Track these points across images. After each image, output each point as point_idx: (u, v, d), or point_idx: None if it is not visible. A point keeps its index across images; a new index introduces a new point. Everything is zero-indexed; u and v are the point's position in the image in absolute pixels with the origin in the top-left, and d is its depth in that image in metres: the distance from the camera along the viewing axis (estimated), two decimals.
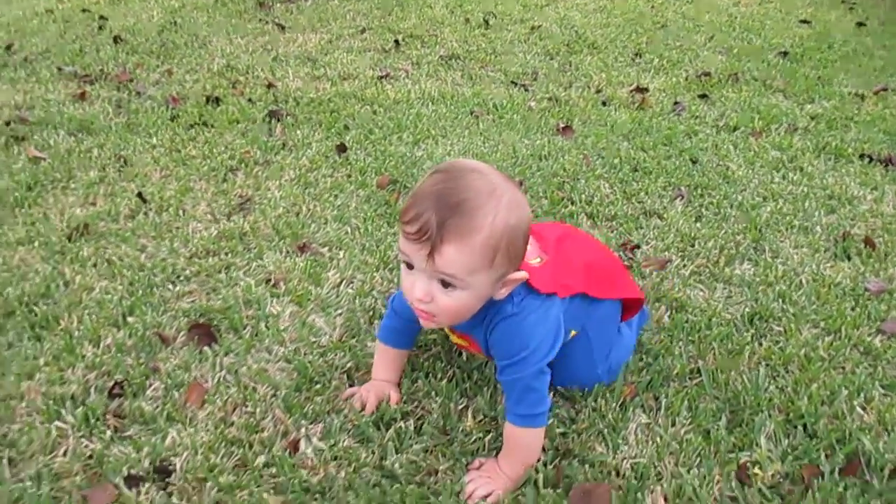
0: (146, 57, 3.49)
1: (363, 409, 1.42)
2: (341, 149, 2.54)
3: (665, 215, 2.18)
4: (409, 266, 1.17)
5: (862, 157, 2.62)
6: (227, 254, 1.93)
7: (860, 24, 4.40)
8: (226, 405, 1.43)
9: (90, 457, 1.31)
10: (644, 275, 1.89)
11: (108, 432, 1.35)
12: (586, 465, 1.31)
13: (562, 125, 2.82)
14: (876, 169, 2.53)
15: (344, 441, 1.36)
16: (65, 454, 1.31)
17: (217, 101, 2.96)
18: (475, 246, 1.10)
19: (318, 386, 1.48)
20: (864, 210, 2.24)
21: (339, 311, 1.72)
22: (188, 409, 1.41)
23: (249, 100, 3.00)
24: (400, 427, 1.38)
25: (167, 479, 1.26)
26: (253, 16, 4.22)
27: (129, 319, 1.66)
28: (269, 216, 2.11)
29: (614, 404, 1.45)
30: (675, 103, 3.11)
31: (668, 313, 1.74)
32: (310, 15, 4.26)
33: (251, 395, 1.45)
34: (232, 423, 1.38)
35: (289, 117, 2.85)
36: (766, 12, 4.65)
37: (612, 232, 2.09)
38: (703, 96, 3.20)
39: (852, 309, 1.77)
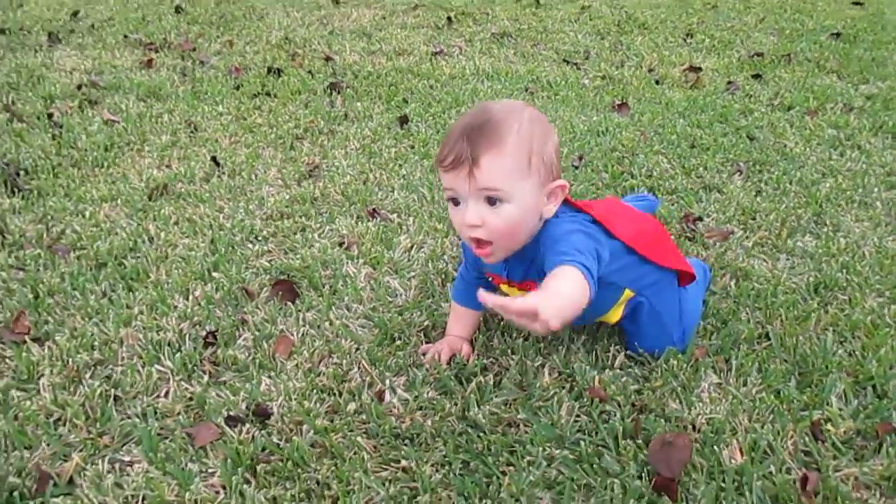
0: (206, 27, 3.58)
1: (439, 361, 1.48)
2: (403, 121, 2.60)
3: (725, 189, 2.21)
4: (455, 202, 1.22)
5: None
6: (300, 217, 2.00)
7: None
8: (313, 356, 1.50)
9: (190, 398, 1.39)
10: (707, 245, 1.92)
11: (206, 377, 1.43)
12: (663, 420, 1.36)
13: (617, 102, 2.85)
14: None
15: (427, 392, 1.42)
16: (167, 395, 1.40)
17: (278, 72, 3.03)
18: (508, 150, 1.17)
19: (399, 342, 1.55)
20: None
21: (412, 274, 1.78)
22: (278, 359, 1.49)
23: (309, 72, 3.07)
24: (480, 381, 1.44)
25: (266, 421, 1.34)
26: None
27: (215, 275, 1.74)
28: (337, 183, 2.18)
29: (686, 365, 1.50)
30: (729, 83, 3.12)
31: (734, 281, 1.77)
32: None
33: (337, 347, 1.52)
34: (321, 373, 1.45)
35: (348, 90, 2.91)
36: None
37: (673, 205, 2.12)
38: (756, 76, 3.21)
39: None
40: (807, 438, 1.34)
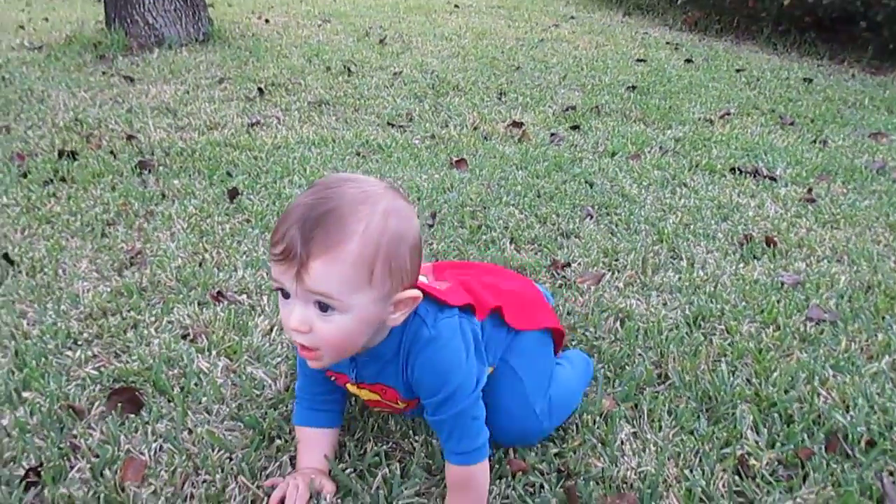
0: None
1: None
2: (233, 194, 2.35)
3: (581, 233, 2.19)
4: (285, 295, 1.02)
5: (732, 170, 2.80)
6: (128, 311, 1.68)
7: (688, 61, 4.81)
8: (174, 478, 1.21)
9: None
10: (582, 290, 1.86)
11: None
12: (593, 482, 1.23)
13: (455, 159, 2.79)
14: (747, 179, 2.72)
15: (326, 499, 1.19)
16: None
17: (73, 155, 2.66)
18: (346, 258, 0.97)
19: (280, 441, 1.30)
20: (752, 215, 2.38)
21: (278, 360, 1.54)
22: (128, 489, 1.18)
23: (111, 152, 2.72)
24: (385, 472, 1.23)
25: None
26: (94, 69, 3.89)
27: (26, 395, 1.39)
28: (167, 268, 1.88)
29: (598, 417, 1.39)
30: (552, 134, 3.20)
31: (619, 323, 1.72)
32: (159, 66, 4.00)
33: (203, 461, 1.24)
34: (189, 497, 1.17)
35: (160, 167, 2.61)
36: (605, 54, 4.97)
37: (537, 254, 2.06)
38: (574, 127, 3.32)
39: (778, 301, 1.84)
40: (736, 477, 1.27)
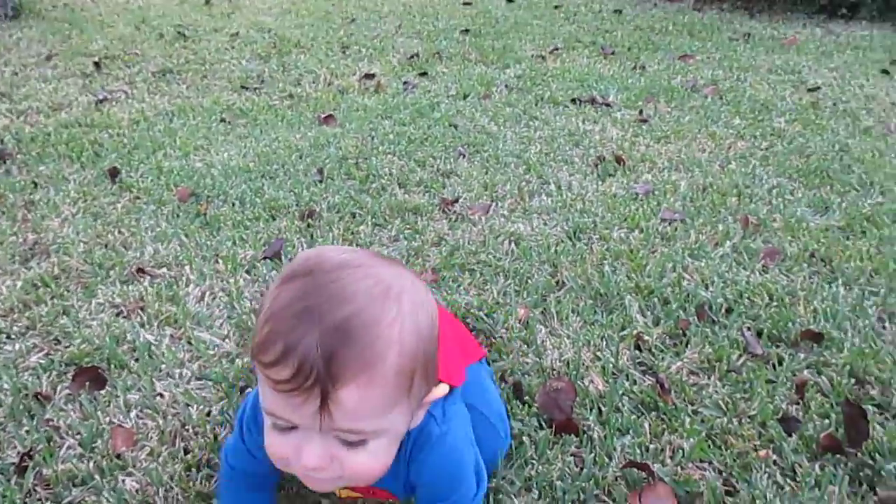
0: None
1: None
2: (113, 174, 2.32)
3: (459, 172, 2.41)
4: (288, 426, 0.80)
5: (573, 101, 3.12)
6: (52, 299, 1.70)
7: (509, 1, 5.11)
8: (164, 436, 1.31)
9: None
10: (474, 221, 2.09)
11: None
12: (528, 375, 1.47)
13: (321, 115, 2.89)
14: (587, 108, 3.05)
15: None
16: None
17: None
18: (386, 379, 0.76)
19: (249, 390, 1.42)
20: (598, 139, 2.71)
21: (219, 321, 1.64)
22: (125, 455, 1.26)
23: None
24: None
25: None
26: None
27: None
28: (74, 254, 1.88)
29: (517, 323, 1.63)
30: (405, 83, 3.36)
31: (512, 245, 1.96)
32: None
33: (188, 418, 1.34)
34: (187, 451, 1.28)
35: (19, 156, 2.50)
36: (431, 0, 5.15)
37: (426, 195, 2.25)
38: (422, 74, 3.51)
39: (636, 209, 2.16)
40: (636, 352, 1.56)
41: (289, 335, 0.74)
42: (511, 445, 1.28)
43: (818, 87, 3.30)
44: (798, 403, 1.40)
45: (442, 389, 0.89)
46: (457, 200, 2.20)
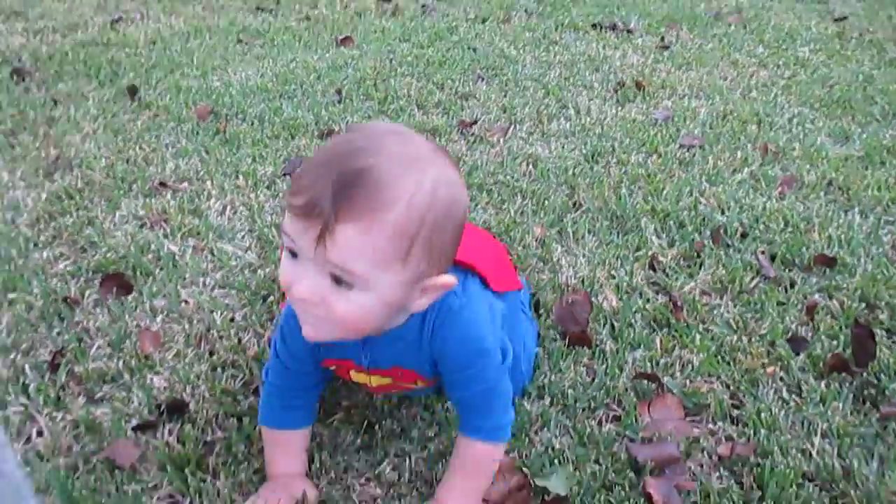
0: None
1: None
2: (132, 92, 2.33)
3: (478, 95, 2.39)
4: (293, 254, 0.86)
5: (593, 26, 3.07)
6: (77, 210, 1.73)
7: None
8: (190, 339, 1.35)
9: (76, 425, 1.17)
10: (493, 143, 2.09)
11: (80, 399, 1.22)
12: (545, 291, 1.50)
13: (339, 37, 2.87)
14: (608, 34, 3.00)
15: None
16: (41, 435, 1.16)
17: None
18: (384, 229, 0.81)
19: (272, 299, 1.46)
20: (619, 64, 2.68)
21: (242, 233, 1.67)
22: (153, 355, 1.31)
23: None
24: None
25: (184, 416, 1.19)
26: None
27: (12, 296, 1.45)
28: (97, 168, 1.91)
29: (534, 242, 1.65)
30: (423, 6, 3.31)
31: (531, 166, 1.97)
32: None
33: (212, 322, 1.39)
34: (214, 352, 1.32)
35: (38, 73, 2.51)
36: None
37: (444, 116, 2.24)
38: None
39: (655, 134, 2.15)
40: (650, 272, 1.58)
41: (312, 173, 0.82)
42: None
43: (845, 17, 3.22)
44: (808, 325, 1.42)
45: (448, 279, 0.90)
46: (475, 122, 2.19)
